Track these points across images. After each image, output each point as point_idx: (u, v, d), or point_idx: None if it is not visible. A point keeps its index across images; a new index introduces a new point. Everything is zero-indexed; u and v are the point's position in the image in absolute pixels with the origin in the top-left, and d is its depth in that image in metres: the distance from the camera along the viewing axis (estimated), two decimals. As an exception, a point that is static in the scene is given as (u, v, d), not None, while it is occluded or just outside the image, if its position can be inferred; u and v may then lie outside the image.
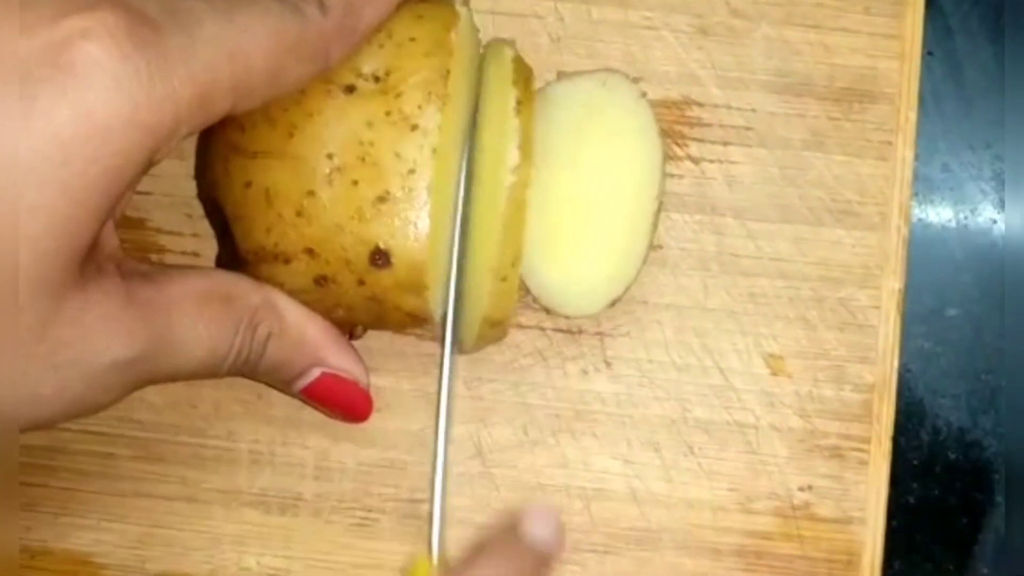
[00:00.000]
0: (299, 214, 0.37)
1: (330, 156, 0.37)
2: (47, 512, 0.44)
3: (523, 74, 0.40)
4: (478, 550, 0.38)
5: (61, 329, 0.32)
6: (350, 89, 0.37)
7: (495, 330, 0.41)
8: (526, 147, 0.39)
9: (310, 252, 0.38)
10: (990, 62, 0.49)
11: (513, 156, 0.39)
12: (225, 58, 0.33)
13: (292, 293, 0.39)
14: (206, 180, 0.41)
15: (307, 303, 0.39)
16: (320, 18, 0.35)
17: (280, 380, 0.40)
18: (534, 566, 0.38)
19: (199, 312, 0.36)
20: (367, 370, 0.41)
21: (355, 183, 0.37)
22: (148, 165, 0.33)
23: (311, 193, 0.37)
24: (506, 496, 0.43)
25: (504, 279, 0.39)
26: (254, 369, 0.39)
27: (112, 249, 0.36)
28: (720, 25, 0.45)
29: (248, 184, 0.38)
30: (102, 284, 0.34)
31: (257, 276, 0.39)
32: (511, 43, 0.41)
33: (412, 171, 0.37)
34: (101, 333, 0.33)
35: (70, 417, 0.34)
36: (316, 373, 0.39)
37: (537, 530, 0.38)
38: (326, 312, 0.39)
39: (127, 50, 0.31)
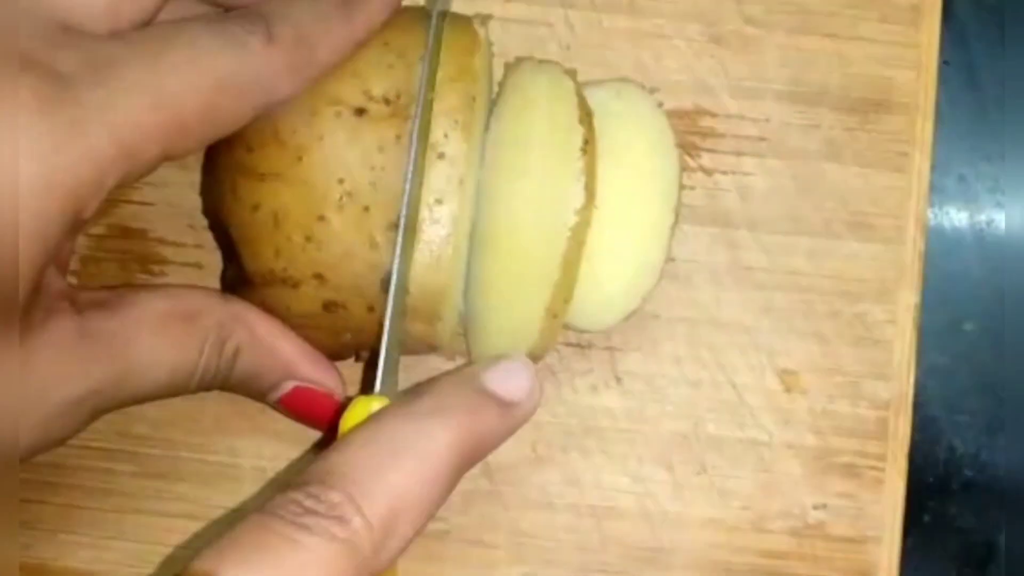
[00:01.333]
0: (309, 239, 0.36)
1: (340, 181, 0.36)
2: (46, 529, 0.43)
3: (587, 111, 0.39)
4: (427, 385, 0.34)
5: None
6: (360, 112, 0.37)
7: (535, 362, 0.40)
8: (591, 188, 0.38)
9: (319, 277, 0.37)
10: (1006, 71, 0.49)
11: (578, 197, 0.38)
12: (148, 106, 0.32)
13: (299, 317, 0.38)
14: (211, 198, 0.40)
15: (315, 328, 0.38)
16: (264, 50, 0.34)
17: (254, 391, 0.39)
18: (495, 420, 0.34)
19: (159, 335, 0.36)
20: (343, 382, 0.40)
21: (366, 209, 0.36)
22: (78, 221, 0.32)
23: (321, 218, 0.36)
24: (515, 515, 0.42)
25: (555, 316, 0.39)
26: (225, 382, 0.38)
27: (60, 289, 0.35)
28: (733, 34, 0.44)
29: (256, 207, 0.37)
30: (51, 325, 0.34)
31: (264, 299, 0.38)
32: (572, 73, 0.40)
33: (439, 201, 0.36)
34: (53, 373, 0.33)
35: (31, 454, 0.34)
36: (289, 386, 0.39)
37: (498, 385, 0.35)
38: (333, 336, 0.38)
39: (37, 114, 0.30)
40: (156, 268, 0.44)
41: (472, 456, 0.33)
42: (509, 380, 0.35)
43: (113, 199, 0.44)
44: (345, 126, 0.36)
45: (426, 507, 0.32)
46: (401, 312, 0.37)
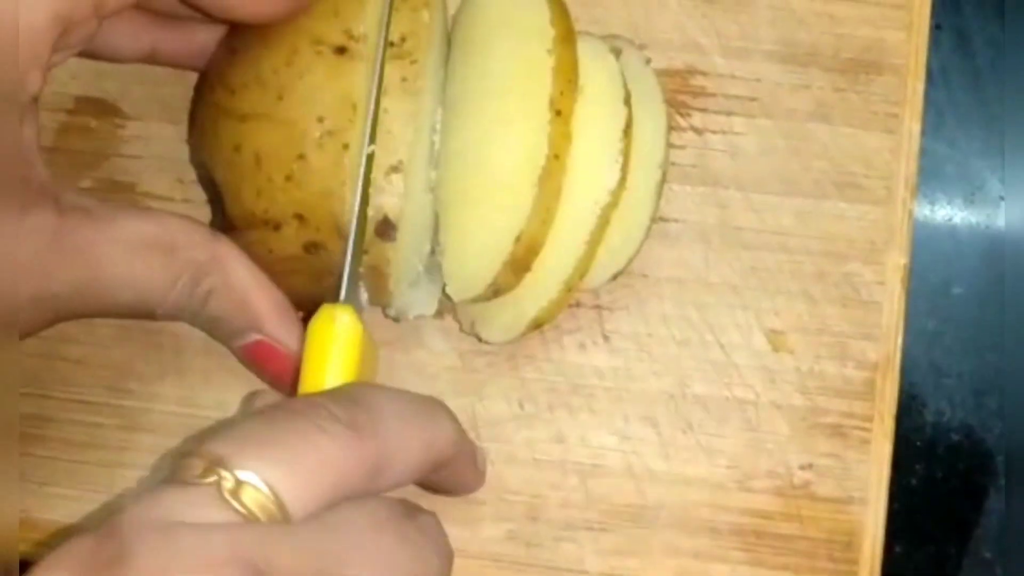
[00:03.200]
0: (288, 178, 0.36)
1: (320, 119, 0.36)
2: (32, 482, 0.43)
3: (629, 93, 0.39)
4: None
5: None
6: (341, 50, 0.36)
7: (536, 329, 0.41)
8: (627, 170, 0.39)
9: (300, 218, 0.37)
10: (999, 37, 0.49)
11: (612, 178, 0.38)
12: None
13: (282, 261, 0.38)
14: (196, 145, 0.40)
15: (297, 272, 0.38)
16: None
17: (218, 333, 0.39)
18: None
19: (134, 258, 0.36)
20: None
21: (346, 147, 0.36)
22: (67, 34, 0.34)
23: (301, 156, 0.36)
24: (501, 470, 0.42)
25: (569, 290, 0.39)
26: (193, 318, 0.38)
27: (43, 184, 0.35)
28: (725, -7, 0.44)
29: (237, 148, 0.37)
30: (29, 219, 0.34)
31: (248, 243, 0.38)
32: (617, 50, 0.40)
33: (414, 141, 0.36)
34: (24, 269, 0.33)
35: None
36: (252, 337, 0.39)
37: None
38: (315, 281, 0.38)
39: None
40: (145, 223, 0.44)
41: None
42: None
43: (102, 152, 0.44)
44: (325, 64, 0.36)
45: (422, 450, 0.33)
46: (364, 228, 0.37)
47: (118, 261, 0.36)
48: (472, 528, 0.42)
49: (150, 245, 0.36)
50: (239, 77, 0.37)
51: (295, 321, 0.39)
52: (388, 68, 0.37)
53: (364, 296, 0.39)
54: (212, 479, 0.28)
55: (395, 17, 0.37)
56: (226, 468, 0.28)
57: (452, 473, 0.36)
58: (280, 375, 0.39)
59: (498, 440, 0.43)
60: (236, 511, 0.28)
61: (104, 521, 0.27)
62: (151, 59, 0.41)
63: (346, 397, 0.32)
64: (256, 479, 0.28)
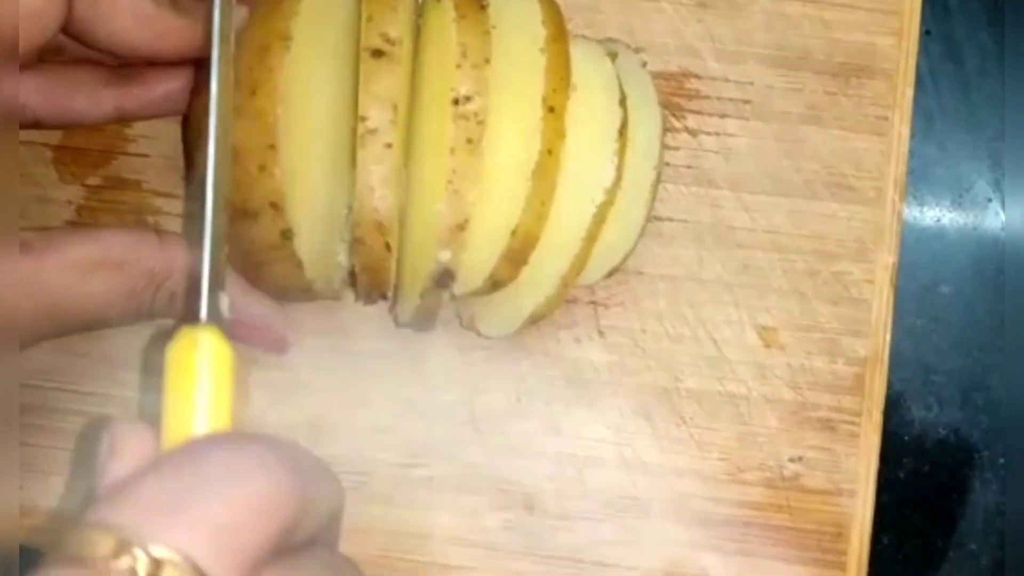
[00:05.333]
0: (262, 168, 0.37)
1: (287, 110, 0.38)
2: (37, 471, 0.43)
3: (624, 95, 0.40)
4: None
5: None
6: (378, 53, 0.38)
7: (533, 324, 0.42)
8: (622, 170, 0.40)
9: (275, 206, 0.38)
10: (988, 43, 0.50)
11: (608, 176, 0.39)
12: None
13: (264, 250, 0.39)
14: (187, 144, 0.41)
15: (279, 259, 0.39)
16: None
17: None
18: None
19: (85, 280, 0.37)
20: (280, 314, 0.41)
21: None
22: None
23: (271, 147, 0.37)
24: (497, 463, 0.43)
25: (566, 285, 0.40)
26: (168, 316, 0.39)
27: None
28: (719, -2, 0.45)
29: None
30: None
31: (233, 235, 0.39)
32: (612, 55, 0.41)
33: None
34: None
35: None
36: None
37: None
38: (297, 267, 0.39)
39: None
40: (151, 219, 0.45)
41: None
42: None
43: (109, 151, 0.45)
44: (292, 58, 0.38)
45: None
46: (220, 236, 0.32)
47: (70, 286, 0.37)
48: (470, 518, 0.43)
49: (96, 266, 0.37)
50: None
51: (259, 297, 0.40)
52: (454, 126, 0.38)
53: (225, 303, 0.32)
54: (125, 562, 0.25)
55: (455, 73, 0.38)
56: (139, 545, 0.25)
57: None
58: (263, 343, 0.41)
59: (496, 432, 0.44)
60: None
61: None
62: (120, 118, 0.42)
63: (234, 440, 0.28)
64: (174, 555, 0.25)
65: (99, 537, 0.25)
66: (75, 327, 0.38)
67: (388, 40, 0.38)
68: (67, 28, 0.37)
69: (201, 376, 0.29)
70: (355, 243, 0.38)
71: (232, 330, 0.32)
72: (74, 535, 0.25)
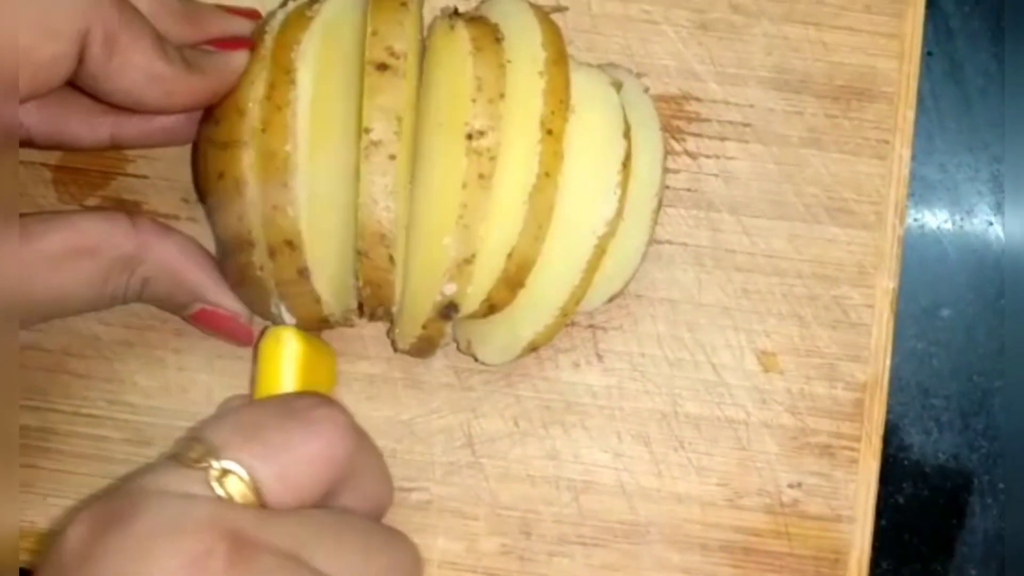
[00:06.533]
0: (275, 208, 0.38)
1: (296, 147, 0.38)
2: (37, 493, 0.44)
3: (628, 127, 0.40)
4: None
5: None
6: (382, 67, 0.38)
7: (531, 352, 0.42)
8: (624, 202, 0.39)
9: (289, 244, 0.38)
10: (990, 63, 0.49)
11: (610, 209, 0.39)
12: None
13: (282, 284, 0.39)
14: (195, 174, 0.42)
15: (297, 295, 0.39)
16: None
17: (167, 309, 0.42)
18: None
19: (58, 268, 0.38)
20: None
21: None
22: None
23: (284, 185, 0.37)
24: (496, 487, 0.43)
25: (565, 315, 0.40)
26: (139, 300, 0.41)
27: None
28: (720, 21, 0.45)
29: (221, 175, 0.38)
30: None
31: (238, 264, 0.39)
32: (617, 85, 0.41)
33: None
34: None
35: None
36: (196, 307, 0.41)
37: None
38: (314, 303, 0.39)
39: None
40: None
41: None
42: None
43: (109, 171, 0.45)
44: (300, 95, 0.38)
45: None
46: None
47: (43, 274, 0.37)
48: (467, 542, 0.43)
49: (70, 254, 0.38)
50: (222, 108, 0.39)
51: (223, 284, 0.41)
52: (466, 161, 0.38)
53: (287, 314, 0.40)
54: (204, 465, 0.32)
55: (469, 107, 0.38)
56: (216, 457, 0.32)
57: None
58: (230, 333, 0.42)
59: (493, 456, 0.44)
60: (219, 495, 0.32)
61: (117, 488, 0.32)
62: (114, 146, 0.42)
63: (320, 399, 0.35)
64: (240, 469, 0.32)
65: (195, 445, 0.32)
66: (49, 314, 0.39)
67: (393, 54, 0.37)
68: (75, 80, 0.36)
69: (285, 364, 0.39)
70: (358, 256, 0.38)
71: (200, 320, 0.41)
72: (184, 442, 0.33)
